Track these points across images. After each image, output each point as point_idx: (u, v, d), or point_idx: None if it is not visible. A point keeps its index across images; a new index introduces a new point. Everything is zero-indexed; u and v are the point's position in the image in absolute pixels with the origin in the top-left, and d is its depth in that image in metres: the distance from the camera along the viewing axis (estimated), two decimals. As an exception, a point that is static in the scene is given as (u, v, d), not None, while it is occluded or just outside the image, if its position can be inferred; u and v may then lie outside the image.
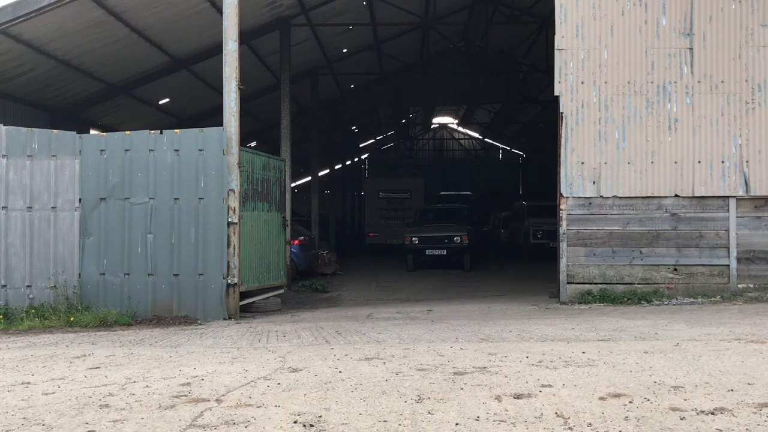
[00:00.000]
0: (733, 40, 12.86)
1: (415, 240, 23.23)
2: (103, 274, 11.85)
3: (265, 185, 13.65)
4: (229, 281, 11.76)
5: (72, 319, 11.09)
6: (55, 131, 12.30)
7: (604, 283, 12.90)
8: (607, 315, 11.01)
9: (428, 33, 26.11)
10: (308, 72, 25.62)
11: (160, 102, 22.76)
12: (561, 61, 13.04)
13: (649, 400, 5.39)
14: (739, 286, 12.76)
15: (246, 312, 12.42)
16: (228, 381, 6.40)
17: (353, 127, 40.70)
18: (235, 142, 11.94)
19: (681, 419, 4.91)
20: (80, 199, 11.94)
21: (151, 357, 7.91)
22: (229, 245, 11.76)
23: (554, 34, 13.16)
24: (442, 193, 40.75)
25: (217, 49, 15.43)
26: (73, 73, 17.36)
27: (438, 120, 52.83)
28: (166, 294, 11.75)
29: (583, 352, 7.42)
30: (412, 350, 7.83)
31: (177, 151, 11.87)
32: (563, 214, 12.99)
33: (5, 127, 12.01)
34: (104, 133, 12.49)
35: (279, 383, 6.25)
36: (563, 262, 12.96)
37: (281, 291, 14.47)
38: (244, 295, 12.43)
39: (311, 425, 4.93)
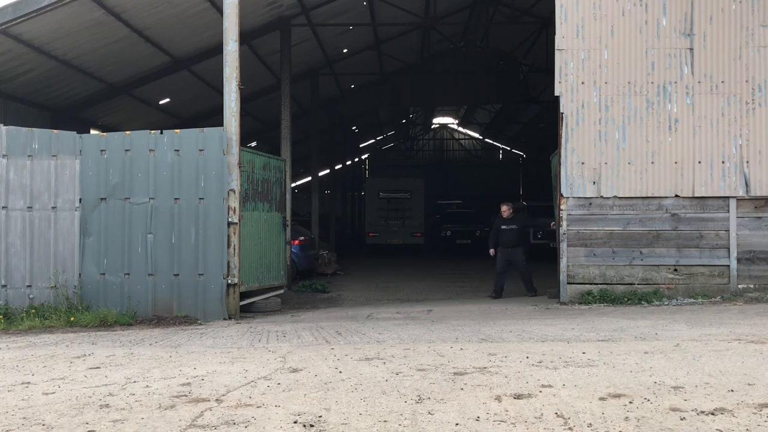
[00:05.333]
0: (733, 40, 12.86)
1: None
2: (104, 274, 11.85)
3: (265, 185, 13.64)
4: (230, 281, 11.76)
5: (72, 319, 11.09)
6: (56, 131, 12.30)
7: (604, 284, 12.90)
8: (608, 315, 11.01)
9: (428, 33, 26.12)
10: (308, 72, 25.63)
11: (161, 102, 22.75)
12: (561, 61, 13.04)
13: (649, 400, 5.39)
14: (740, 286, 12.76)
15: (246, 312, 12.42)
16: (228, 381, 6.40)
17: (353, 127, 40.72)
18: (236, 142, 11.95)
19: (681, 419, 4.90)
20: (80, 199, 11.95)
21: (152, 357, 7.91)
22: (229, 245, 11.76)
23: (554, 34, 13.16)
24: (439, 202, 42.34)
25: (217, 49, 15.44)
26: (74, 73, 17.35)
27: (438, 120, 52.87)
28: (166, 294, 11.76)
29: (584, 353, 7.42)
30: (412, 350, 7.83)
31: (177, 151, 11.87)
32: (563, 215, 12.99)
33: (5, 127, 12.01)
34: (104, 133, 12.49)
35: (279, 383, 6.24)
36: (563, 263, 12.95)
37: (281, 291, 14.46)
38: (244, 295, 12.43)
39: (311, 425, 4.93)
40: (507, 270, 15.06)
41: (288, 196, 16.12)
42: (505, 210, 15.19)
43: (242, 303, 12.19)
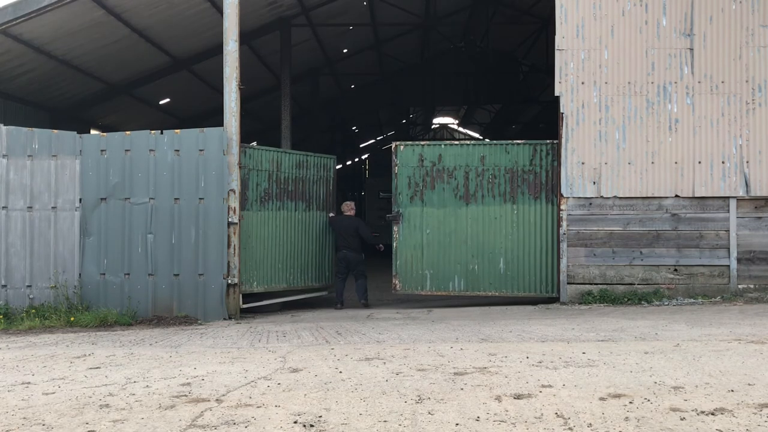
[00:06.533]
0: (733, 40, 12.86)
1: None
2: (104, 274, 11.86)
3: (298, 184, 13.65)
4: (230, 281, 11.77)
5: (72, 319, 11.09)
6: (56, 131, 12.30)
7: (604, 284, 12.90)
8: (608, 315, 11.00)
9: (429, 33, 26.15)
10: (309, 72, 25.66)
11: (161, 102, 22.77)
12: (561, 61, 13.04)
13: (649, 400, 5.39)
14: (740, 286, 12.76)
15: (246, 312, 12.43)
16: (228, 381, 6.40)
17: (353, 127, 40.72)
18: (236, 142, 11.97)
19: (681, 420, 4.90)
20: (80, 199, 11.95)
21: (152, 357, 7.91)
22: (229, 245, 11.77)
23: (554, 34, 13.16)
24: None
25: (217, 49, 15.45)
26: (74, 73, 17.36)
27: (438, 120, 52.82)
28: (166, 294, 11.77)
29: (584, 353, 7.42)
30: (412, 350, 7.83)
31: (177, 151, 11.88)
32: (563, 215, 12.99)
33: (6, 127, 12.02)
34: (104, 133, 12.49)
35: (279, 383, 6.24)
36: (563, 263, 12.95)
37: (323, 293, 14.37)
38: (260, 297, 12.74)
39: (311, 425, 4.93)
40: (347, 275, 13.90)
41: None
42: (347, 209, 14.07)
43: (254, 305, 12.45)
